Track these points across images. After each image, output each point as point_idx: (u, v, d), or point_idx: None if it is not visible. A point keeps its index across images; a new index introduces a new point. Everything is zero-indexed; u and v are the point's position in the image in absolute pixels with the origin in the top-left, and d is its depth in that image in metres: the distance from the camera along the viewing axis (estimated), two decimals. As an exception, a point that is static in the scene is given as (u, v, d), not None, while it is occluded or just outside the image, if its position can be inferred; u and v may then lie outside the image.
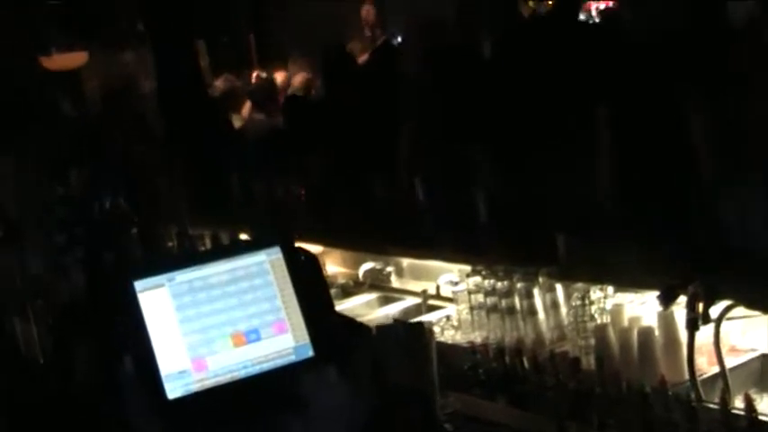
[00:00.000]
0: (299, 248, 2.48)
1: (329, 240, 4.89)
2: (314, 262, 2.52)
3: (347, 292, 4.77)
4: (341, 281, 4.84)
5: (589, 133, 3.91)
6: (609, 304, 3.36)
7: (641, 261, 3.22)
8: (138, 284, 2.37)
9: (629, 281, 3.36)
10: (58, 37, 9.54)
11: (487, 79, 4.57)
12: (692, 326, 2.78)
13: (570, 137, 3.94)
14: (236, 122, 7.26)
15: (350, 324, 2.56)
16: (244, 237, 5.03)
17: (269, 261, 2.44)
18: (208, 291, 2.41)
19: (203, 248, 4.45)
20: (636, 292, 3.39)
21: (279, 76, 8.14)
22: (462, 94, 4.62)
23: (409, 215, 4.65)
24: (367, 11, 9.13)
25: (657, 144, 3.68)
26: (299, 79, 7.75)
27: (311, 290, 2.42)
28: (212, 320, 2.40)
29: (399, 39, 8.11)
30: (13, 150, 4.92)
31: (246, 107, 7.53)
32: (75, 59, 9.62)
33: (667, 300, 2.93)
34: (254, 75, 8.59)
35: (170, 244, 4.44)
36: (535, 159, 4.07)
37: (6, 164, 4.78)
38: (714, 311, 2.80)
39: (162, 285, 2.38)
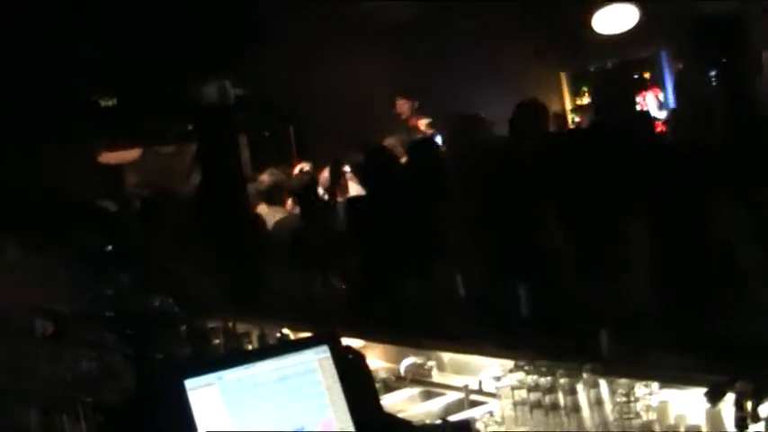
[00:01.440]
0: (347, 347, 2.50)
1: (370, 335, 4.89)
2: (361, 360, 2.53)
3: (388, 386, 4.74)
4: (382, 375, 4.81)
5: (633, 230, 3.93)
6: (654, 401, 3.33)
7: (687, 357, 3.19)
8: (189, 383, 2.39)
9: (674, 377, 3.32)
10: (104, 138, 9.81)
11: (529, 178, 4.62)
12: (741, 425, 2.74)
13: (614, 234, 3.96)
14: (279, 215, 7.34)
15: (397, 424, 2.56)
16: (286, 332, 5.06)
17: (317, 360, 2.46)
18: (256, 389, 2.43)
19: (250, 346, 4.47)
20: (682, 389, 3.35)
21: (298, 166, 8.26)
22: (505, 192, 4.67)
23: (451, 310, 4.65)
24: (401, 104, 9.29)
25: (703, 241, 3.69)
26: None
27: (358, 388, 2.43)
28: (261, 419, 2.41)
29: (438, 137, 8.22)
30: (63, 250, 5.02)
31: (290, 201, 7.63)
32: (129, 154, 9.91)
33: (715, 397, 2.89)
34: (297, 168, 8.73)
35: (216, 341, 4.47)
36: (578, 256, 4.08)
37: (56, 263, 4.87)
38: (764, 410, 2.76)
39: (212, 384, 2.41)
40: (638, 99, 8.73)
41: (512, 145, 5.10)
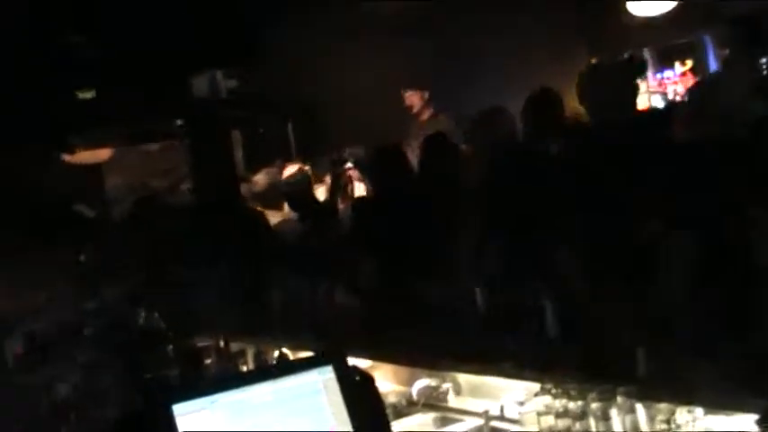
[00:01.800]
0: (354, 367, 2.50)
1: (379, 354, 4.89)
2: (369, 383, 2.53)
3: (399, 412, 4.75)
4: (392, 400, 4.82)
5: (669, 241, 3.92)
6: (698, 428, 3.32)
7: (734, 379, 3.18)
8: (178, 408, 2.39)
9: (719, 401, 3.31)
10: (83, 134, 9.82)
11: (555, 180, 4.63)
12: (796, 455, 2.74)
13: (649, 244, 3.95)
14: (276, 219, 7.36)
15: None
16: (284, 351, 5.06)
17: (322, 381, 2.45)
18: (253, 415, 2.43)
19: (245, 367, 4.48)
20: (729, 415, 3.34)
21: (291, 167, 8.29)
22: (528, 195, 4.68)
23: (469, 325, 4.65)
24: (410, 97, 9.32)
25: (745, 256, 3.68)
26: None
27: (367, 414, 2.43)
28: (258, 448, 2.41)
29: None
30: (39, 260, 5.04)
31: (287, 205, 7.63)
32: (98, 154, 9.90)
33: (767, 424, 2.89)
34: (288, 169, 8.74)
35: (207, 361, 4.48)
36: (611, 266, 4.08)
37: (31, 275, 4.88)
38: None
39: (204, 409, 2.41)
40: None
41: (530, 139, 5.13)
